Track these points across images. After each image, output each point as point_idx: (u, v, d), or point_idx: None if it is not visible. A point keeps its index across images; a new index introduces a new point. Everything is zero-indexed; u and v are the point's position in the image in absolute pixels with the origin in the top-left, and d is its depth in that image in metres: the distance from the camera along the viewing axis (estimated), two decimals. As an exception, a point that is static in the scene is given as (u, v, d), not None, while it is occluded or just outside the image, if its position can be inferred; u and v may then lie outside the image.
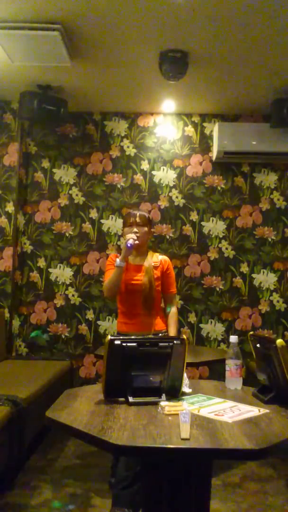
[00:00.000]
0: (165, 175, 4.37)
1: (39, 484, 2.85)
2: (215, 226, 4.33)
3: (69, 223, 4.35)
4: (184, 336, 1.82)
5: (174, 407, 1.64)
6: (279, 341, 1.72)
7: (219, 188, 4.35)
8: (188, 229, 4.34)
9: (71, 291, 4.31)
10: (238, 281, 4.29)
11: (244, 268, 4.30)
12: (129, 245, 2.63)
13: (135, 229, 2.73)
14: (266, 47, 3.15)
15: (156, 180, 4.37)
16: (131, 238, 2.66)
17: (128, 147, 4.39)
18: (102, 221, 4.35)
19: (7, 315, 4.15)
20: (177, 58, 3.24)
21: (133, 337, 1.81)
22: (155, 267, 2.80)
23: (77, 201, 4.37)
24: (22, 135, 4.32)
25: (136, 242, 2.68)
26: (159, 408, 1.66)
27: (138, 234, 2.71)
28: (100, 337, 4.23)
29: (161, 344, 1.78)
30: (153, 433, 1.42)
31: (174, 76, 3.34)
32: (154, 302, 2.75)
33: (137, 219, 2.75)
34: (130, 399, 1.72)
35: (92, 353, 4.18)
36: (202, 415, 1.60)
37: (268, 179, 4.34)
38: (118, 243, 4.31)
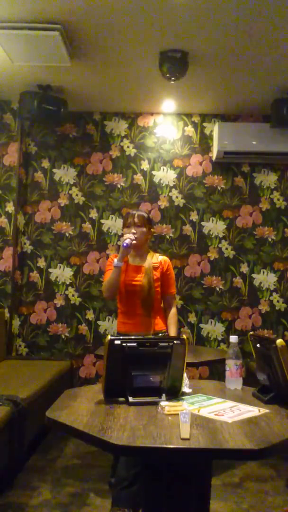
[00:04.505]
0: (165, 175, 4.37)
1: (39, 484, 2.85)
2: (215, 226, 4.33)
3: (69, 223, 4.35)
4: (184, 336, 1.82)
5: (174, 407, 1.64)
6: (279, 341, 1.72)
7: (219, 188, 4.35)
8: (188, 229, 4.33)
9: (71, 291, 4.31)
10: (238, 281, 4.29)
11: (244, 268, 4.30)
12: (125, 244, 2.63)
13: (133, 230, 2.73)
14: (266, 47, 3.15)
15: (156, 180, 4.37)
16: (128, 238, 2.66)
17: (128, 147, 4.39)
18: (102, 221, 4.35)
19: (7, 315, 4.14)
20: (177, 58, 3.23)
21: (133, 337, 1.81)
22: (155, 268, 2.79)
23: (77, 201, 4.37)
24: (22, 135, 4.32)
25: (134, 242, 2.67)
26: (159, 408, 1.66)
27: (136, 235, 2.71)
28: (100, 337, 4.23)
29: (161, 344, 1.78)
30: (153, 433, 1.42)
31: (174, 76, 3.34)
32: (153, 303, 2.74)
33: (135, 219, 2.75)
34: (130, 399, 1.72)
35: (92, 353, 4.18)
36: (202, 415, 1.60)
37: (268, 179, 4.34)
38: (118, 243, 4.30)
